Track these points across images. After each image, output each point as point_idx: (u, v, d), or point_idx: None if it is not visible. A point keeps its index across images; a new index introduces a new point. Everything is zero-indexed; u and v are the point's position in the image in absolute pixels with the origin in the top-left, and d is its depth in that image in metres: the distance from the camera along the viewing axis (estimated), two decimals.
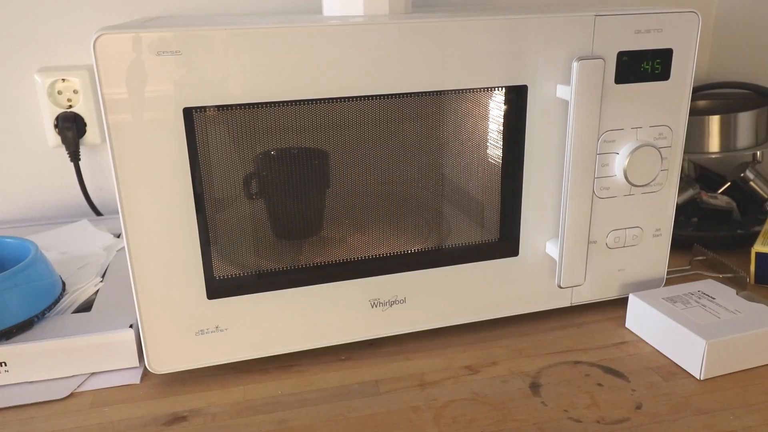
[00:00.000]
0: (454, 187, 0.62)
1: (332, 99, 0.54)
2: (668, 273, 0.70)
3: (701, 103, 0.96)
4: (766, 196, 0.87)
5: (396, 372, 0.59)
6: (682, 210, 0.85)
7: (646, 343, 0.63)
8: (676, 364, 0.59)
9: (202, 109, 0.51)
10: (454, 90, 0.57)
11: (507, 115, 0.60)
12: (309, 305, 0.59)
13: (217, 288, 0.56)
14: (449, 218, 0.63)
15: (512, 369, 0.59)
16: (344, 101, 0.55)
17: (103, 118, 0.50)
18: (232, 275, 0.57)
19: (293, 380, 0.59)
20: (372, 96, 0.55)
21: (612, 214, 0.65)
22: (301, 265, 0.59)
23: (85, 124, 0.85)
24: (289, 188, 0.57)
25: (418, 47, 0.55)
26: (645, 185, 0.63)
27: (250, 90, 0.52)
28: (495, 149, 0.61)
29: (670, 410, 0.53)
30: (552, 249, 0.64)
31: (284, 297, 0.58)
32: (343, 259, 0.59)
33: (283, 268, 0.58)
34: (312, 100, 0.54)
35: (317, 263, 0.59)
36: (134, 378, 0.58)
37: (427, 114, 0.59)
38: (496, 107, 0.60)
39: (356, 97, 0.55)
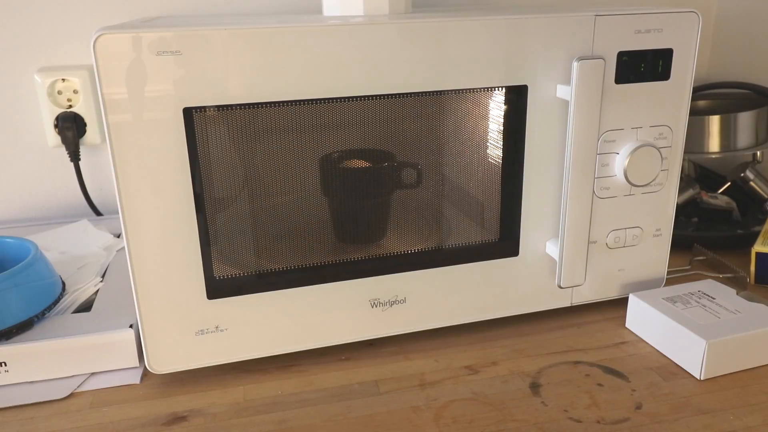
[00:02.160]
0: (454, 187, 0.62)
1: (332, 99, 0.54)
2: (668, 273, 0.70)
3: (701, 103, 0.96)
4: (766, 196, 0.87)
5: (396, 372, 0.59)
6: (682, 210, 0.85)
7: (646, 343, 0.63)
8: (676, 364, 0.59)
9: (202, 109, 0.51)
10: (454, 90, 0.57)
11: (507, 115, 0.60)
12: (309, 305, 0.59)
13: (217, 288, 0.56)
14: (449, 218, 0.63)
15: (512, 369, 0.59)
16: (344, 101, 0.55)
17: (103, 118, 0.50)
18: (232, 275, 0.57)
19: (293, 380, 0.59)
20: (372, 96, 0.55)
21: (612, 214, 0.65)
22: (301, 265, 0.59)
23: (85, 124, 0.85)
24: (289, 188, 0.57)
25: (418, 47, 0.55)
26: (645, 185, 0.63)
27: (250, 90, 0.52)
28: (495, 149, 0.61)
29: (670, 410, 0.53)
30: (552, 249, 0.64)
31: (284, 297, 0.58)
32: (343, 259, 0.59)
33: (283, 268, 0.58)
34: (312, 100, 0.54)
35: (317, 263, 0.59)
36: (134, 378, 0.58)
37: (427, 114, 0.59)
38: (496, 107, 0.60)
39: (356, 97, 0.55)
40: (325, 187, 0.58)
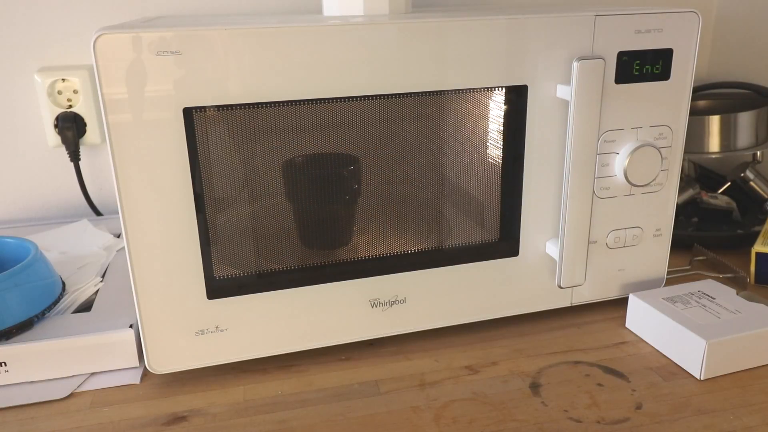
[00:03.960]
0: (454, 187, 0.62)
1: (332, 99, 0.54)
2: (668, 273, 0.70)
3: (701, 103, 0.96)
4: (766, 196, 0.87)
5: (396, 372, 0.59)
6: (682, 210, 0.85)
7: (646, 343, 0.63)
8: (676, 364, 0.59)
9: (202, 109, 0.51)
10: (455, 90, 0.57)
11: (507, 115, 0.60)
12: (309, 305, 0.59)
13: (217, 288, 0.56)
14: (449, 218, 0.63)
15: (512, 369, 0.59)
16: (344, 101, 0.55)
17: (103, 118, 0.50)
18: (232, 275, 0.57)
19: (293, 380, 0.59)
20: (372, 96, 0.55)
21: (612, 214, 0.65)
22: (301, 265, 0.59)
23: (85, 124, 0.85)
24: (288, 188, 0.57)
25: (419, 47, 0.55)
26: (645, 185, 0.63)
27: (250, 90, 0.52)
28: (495, 149, 0.61)
29: (670, 410, 0.53)
30: (552, 249, 0.64)
31: (284, 297, 0.58)
32: (343, 259, 0.59)
33: (283, 268, 0.58)
34: (312, 100, 0.54)
35: (317, 263, 0.59)
36: (134, 378, 0.58)
37: (427, 114, 0.59)
38: (496, 107, 0.60)
39: (356, 97, 0.55)
40: (324, 186, 0.58)
